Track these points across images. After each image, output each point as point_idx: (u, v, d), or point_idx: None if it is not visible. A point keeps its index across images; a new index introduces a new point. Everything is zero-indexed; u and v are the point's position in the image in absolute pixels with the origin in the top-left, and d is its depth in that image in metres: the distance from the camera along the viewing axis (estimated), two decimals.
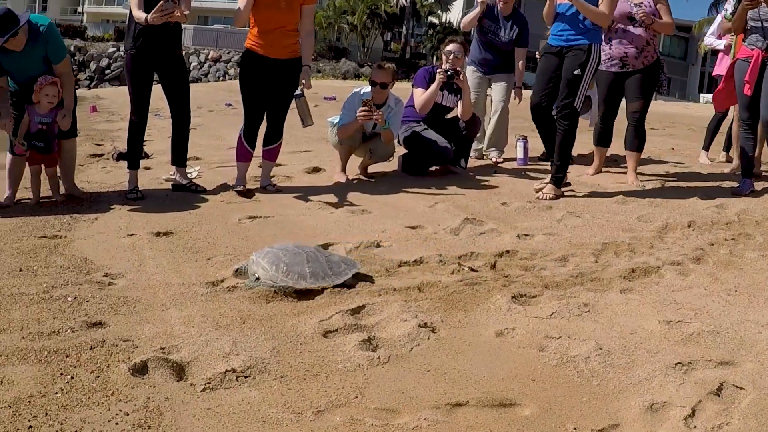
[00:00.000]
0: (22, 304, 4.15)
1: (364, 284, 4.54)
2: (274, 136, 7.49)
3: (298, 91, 7.04)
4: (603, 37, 7.44)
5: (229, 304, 4.22)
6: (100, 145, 11.28)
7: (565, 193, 7.35)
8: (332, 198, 7.09)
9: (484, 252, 5.30)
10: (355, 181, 8.00)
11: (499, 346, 3.63)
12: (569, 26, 7.00)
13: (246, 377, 3.30)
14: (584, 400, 3.11)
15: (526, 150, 9.38)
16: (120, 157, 9.54)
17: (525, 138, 9.44)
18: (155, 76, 7.16)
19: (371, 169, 8.43)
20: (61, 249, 5.33)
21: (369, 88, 7.92)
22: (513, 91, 9.41)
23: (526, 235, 5.83)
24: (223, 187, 7.59)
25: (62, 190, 7.09)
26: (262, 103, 7.31)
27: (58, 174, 7.02)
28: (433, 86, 8.18)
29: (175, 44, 7.15)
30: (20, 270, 4.80)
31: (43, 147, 6.67)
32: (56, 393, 3.10)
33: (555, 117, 7.28)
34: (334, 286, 4.34)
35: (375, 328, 3.80)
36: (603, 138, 8.34)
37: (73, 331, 3.76)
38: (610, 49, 7.72)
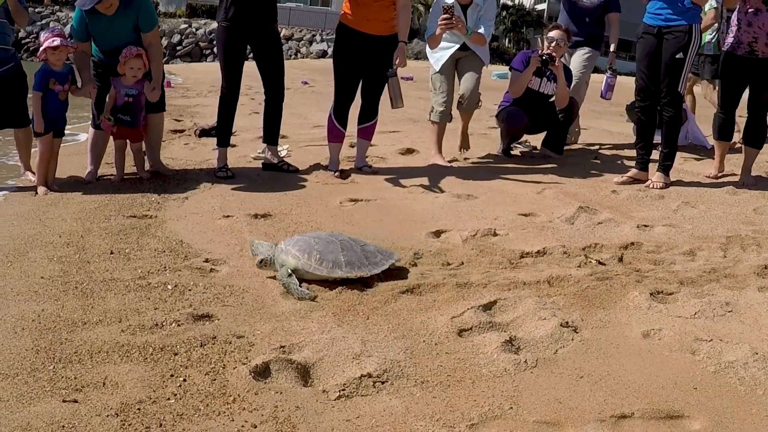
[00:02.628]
0: (117, 292, 3.86)
1: (491, 277, 4.17)
2: (370, 114, 7.14)
3: (391, 70, 6.63)
4: (735, 18, 6.90)
5: (346, 297, 3.86)
6: (179, 120, 11.08)
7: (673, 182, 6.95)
8: (433, 182, 6.75)
9: (607, 244, 4.96)
10: (453, 165, 7.60)
11: (649, 349, 3.36)
12: (667, 5, 6.58)
13: (383, 383, 2.95)
14: (753, 412, 2.84)
15: (609, 85, 8.72)
16: (203, 133, 9.36)
17: (613, 72, 8.76)
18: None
19: (469, 153, 8.01)
20: (153, 230, 5.06)
21: None
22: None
23: (646, 225, 5.48)
24: (315, 167, 7.32)
25: (147, 166, 6.85)
26: (355, 81, 6.96)
27: (143, 150, 6.75)
28: (527, 70, 7.77)
29: (270, 18, 6.82)
30: (111, 253, 4.52)
31: (129, 120, 6.42)
32: (168, 399, 2.76)
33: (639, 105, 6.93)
34: (370, 276, 4.07)
35: (511, 327, 3.53)
36: (724, 130, 7.34)
37: (178, 325, 3.43)
38: (739, 32, 7.06)
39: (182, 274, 4.12)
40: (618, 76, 8.98)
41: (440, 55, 7.42)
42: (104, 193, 6.09)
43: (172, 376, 2.93)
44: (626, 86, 11.29)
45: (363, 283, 4.00)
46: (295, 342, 3.26)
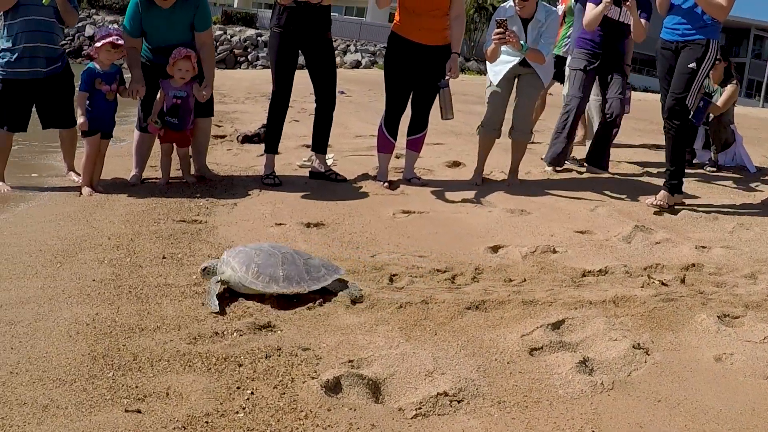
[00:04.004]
0: (173, 298, 3.78)
1: (556, 295, 4.07)
2: (420, 126, 7.02)
3: (442, 81, 6.51)
4: None
5: (410, 311, 3.75)
6: (219, 126, 11.03)
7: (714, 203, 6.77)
8: (484, 196, 6.66)
9: (668, 264, 4.86)
10: (500, 180, 7.44)
11: (723, 374, 3.28)
12: (685, 20, 6.32)
13: (459, 402, 2.85)
14: None
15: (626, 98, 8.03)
16: (245, 139, 9.31)
17: (628, 86, 8.00)
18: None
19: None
20: (204, 236, 4.99)
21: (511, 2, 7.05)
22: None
23: (703, 247, 5.36)
24: (363, 177, 7.23)
25: (192, 170, 6.80)
26: (406, 91, 6.85)
27: (189, 154, 6.68)
28: (602, 5, 7.21)
29: (324, 26, 6.76)
30: (163, 257, 4.45)
31: (177, 123, 6.35)
32: (237, 412, 2.65)
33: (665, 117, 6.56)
34: (311, 292, 3.89)
35: (582, 347, 3.45)
36: None
37: (240, 335, 3.33)
38: None
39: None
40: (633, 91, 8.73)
41: (499, 69, 7.19)
42: (150, 197, 6.05)
43: (238, 388, 2.83)
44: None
45: (426, 298, 3.88)
46: (363, 356, 3.16)
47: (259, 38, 48.98)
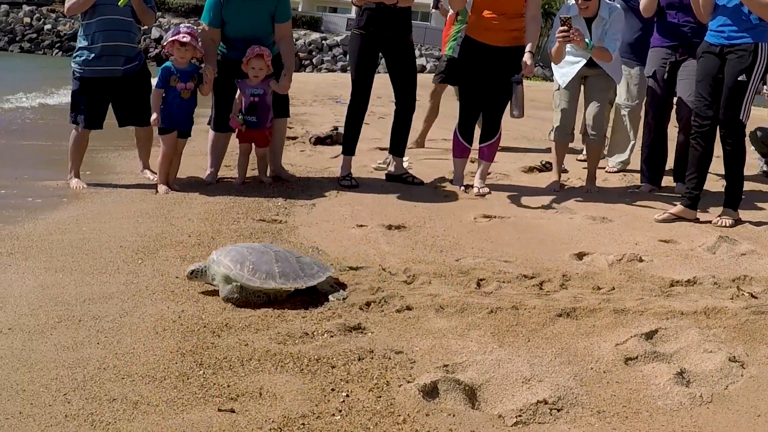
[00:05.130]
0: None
1: (646, 304, 3.98)
2: (491, 132, 6.90)
3: (516, 77, 6.40)
4: None
5: (501, 316, 3.69)
6: (290, 127, 11.03)
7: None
8: (563, 202, 6.56)
9: (756, 276, 4.73)
10: (577, 186, 7.33)
11: None
12: (731, 21, 5.92)
13: (558, 410, 2.80)
14: None
15: None
16: (318, 141, 9.30)
17: None
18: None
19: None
20: (285, 235, 4.98)
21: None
22: None
23: None
24: (440, 180, 7.19)
25: (268, 171, 6.81)
26: (479, 95, 6.76)
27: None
28: None
29: (404, 28, 6.75)
30: None
31: (255, 122, 6.34)
32: (333, 415, 2.61)
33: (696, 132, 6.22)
34: (307, 288, 3.85)
35: (677, 358, 3.37)
36: None
37: (331, 336, 3.28)
38: None
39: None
40: None
41: (566, 70, 7.05)
42: (227, 195, 6.07)
43: (333, 390, 2.80)
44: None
45: (515, 304, 3.80)
46: (457, 361, 3.11)
47: (323, 42, 49.34)
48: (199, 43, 6.19)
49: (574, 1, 6.74)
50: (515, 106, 6.48)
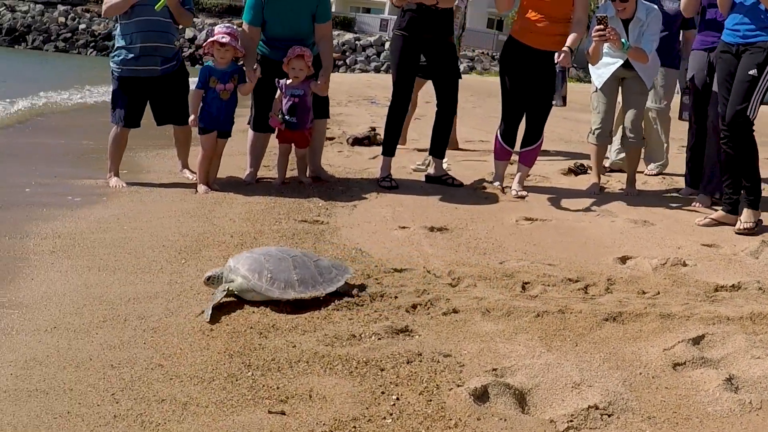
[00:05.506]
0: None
1: (692, 309, 3.95)
2: (533, 137, 6.87)
3: (558, 67, 6.32)
4: None
5: (547, 320, 3.66)
6: (327, 128, 11.06)
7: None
8: (603, 205, 6.52)
9: None
10: (617, 190, 7.27)
11: None
12: (748, 19, 5.80)
13: (609, 416, 2.78)
14: None
15: (686, 104, 7.38)
16: (356, 142, 9.31)
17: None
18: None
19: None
20: (327, 236, 4.98)
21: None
22: None
23: None
24: (479, 182, 7.17)
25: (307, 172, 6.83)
26: (519, 98, 6.73)
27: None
28: None
29: (446, 30, 6.74)
30: None
31: (296, 122, 6.35)
32: (384, 418, 2.60)
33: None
34: (327, 295, 3.76)
35: (724, 364, 3.34)
36: None
37: (378, 338, 3.27)
38: None
39: (368, 283, 3.99)
40: None
41: (602, 72, 6.98)
42: (268, 195, 6.08)
43: (383, 393, 2.79)
44: None
45: (562, 308, 3.78)
46: (506, 365, 3.09)
47: (357, 42, 49.36)
48: (239, 43, 6.20)
49: (611, 1, 6.67)
50: (557, 96, 6.46)
